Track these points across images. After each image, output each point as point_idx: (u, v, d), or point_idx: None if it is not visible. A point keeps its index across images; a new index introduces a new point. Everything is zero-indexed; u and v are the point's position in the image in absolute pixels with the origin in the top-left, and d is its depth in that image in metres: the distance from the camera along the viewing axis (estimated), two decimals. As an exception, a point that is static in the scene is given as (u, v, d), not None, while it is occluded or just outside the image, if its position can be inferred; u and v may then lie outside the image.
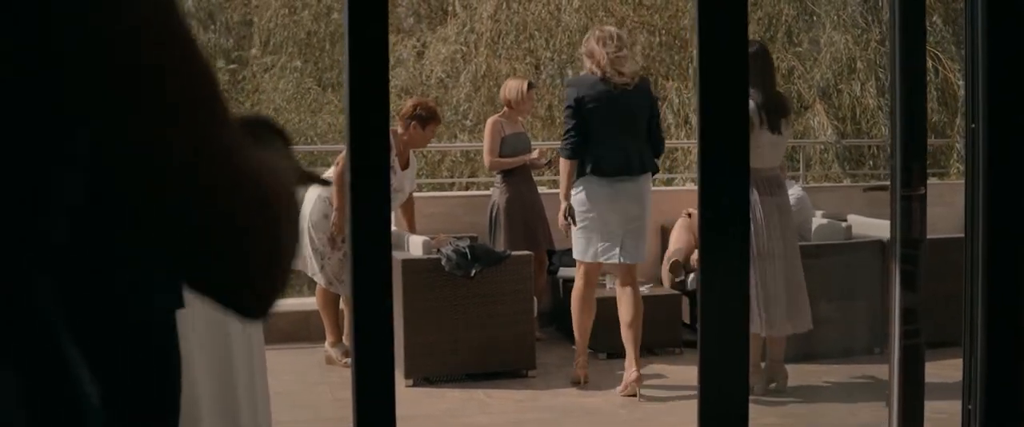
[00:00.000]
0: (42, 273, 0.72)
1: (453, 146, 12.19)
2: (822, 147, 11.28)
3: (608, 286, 5.81)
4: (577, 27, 11.56)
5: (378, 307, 2.61)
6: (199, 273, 0.75)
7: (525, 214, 6.09)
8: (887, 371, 3.26)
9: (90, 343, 0.77)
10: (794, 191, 6.06)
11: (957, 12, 11.24)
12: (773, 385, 5.04)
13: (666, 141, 5.88)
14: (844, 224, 6.26)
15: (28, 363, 0.70)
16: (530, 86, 6.38)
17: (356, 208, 2.58)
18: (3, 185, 0.68)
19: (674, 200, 6.89)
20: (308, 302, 6.18)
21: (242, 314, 0.78)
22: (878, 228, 5.93)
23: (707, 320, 2.86)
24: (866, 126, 11.33)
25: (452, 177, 12.10)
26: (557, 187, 5.43)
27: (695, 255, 6.44)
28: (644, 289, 6.14)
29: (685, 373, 5.56)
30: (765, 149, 4.81)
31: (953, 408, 3.23)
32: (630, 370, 5.16)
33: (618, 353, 5.35)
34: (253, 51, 13.87)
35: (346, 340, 5.80)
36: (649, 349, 5.97)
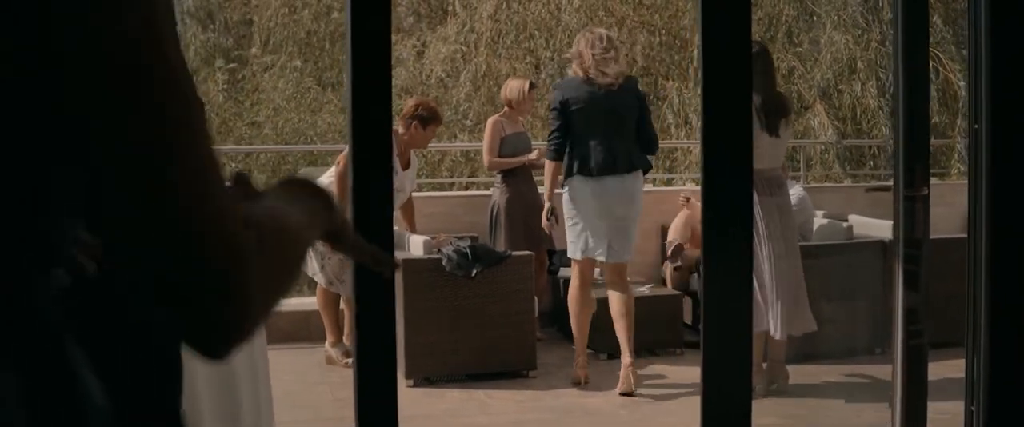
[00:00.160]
0: (44, 273, 0.71)
1: (453, 146, 12.18)
2: (822, 147, 11.27)
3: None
4: (577, 27, 11.53)
5: (380, 307, 2.60)
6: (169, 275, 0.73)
7: (526, 214, 6.08)
8: (889, 371, 3.26)
9: (91, 343, 0.76)
10: (795, 191, 6.05)
11: (957, 12, 11.24)
12: (774, 385, 5.04)
13: (667, 141, 5.90)
14: (845, 224, 6.25)
15: (32, 364, 0.69)
16: (531, 86, 6.37)
17: (358, 208, 2.57)
18: (4, 185, 0.67)
19: (674, 200, 6.88)
20: (308, 302, 6.17)
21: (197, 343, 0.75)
22: (879, 228, 5.93)
23: (710, 320, 2.86)
24: (867, 126, 11.32)
25: (452, 177, 12.09)
26: (561, 188, 5.44)
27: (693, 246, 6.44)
28: (645, 289, 6.14)
29: (686, 373, 5.56)
30: (766, 149, 4.80)
31: (956, 409, 3.22)
32: (624, 361, 5.21)
33: (619, 354, 5.34)
34: (253, 50, 13.86)
35: (346, 340, 5.79)
36: (650, 350, 5.97)
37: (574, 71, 5.22)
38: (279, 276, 0.78)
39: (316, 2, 13.69)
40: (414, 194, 6.28)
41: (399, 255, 5.36)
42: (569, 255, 5.41)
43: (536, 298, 5.85)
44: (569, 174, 5.18)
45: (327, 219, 0.97)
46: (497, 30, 12.10)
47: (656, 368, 5.75)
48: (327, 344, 5.86)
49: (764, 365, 4.99)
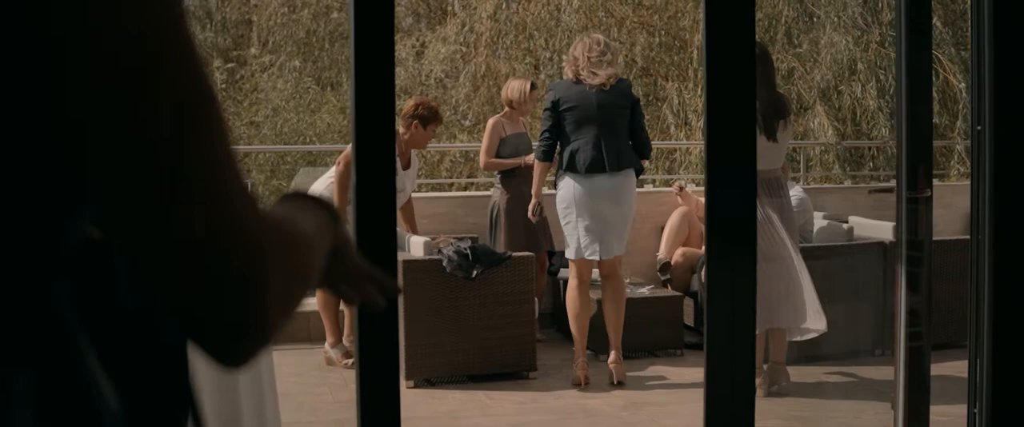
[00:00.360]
0: (58, 275, 0.70)
1: (452, 146, 12.18)
2: (822, 148, 11.27)
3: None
4: (577, 27, 11.55)
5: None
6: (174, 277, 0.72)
7: (525, 215, 6.08)
8: (890, 372, 3.25)
9: (103, 345, 0.76)
10: (795, 192, 6.05)
11: (957, 14, 11.24)
12: (776, 386, 5.04)
13: (667, 142, 5.92)
14: (845, 225, 6.25)
15: (46, 364, 0.69)
16: (532, 86, 6.36)
17: (360, 207, 2.57)
18: (19, 185, 0.67)
19: (674, 200, 6.88)
20: (308, 302, 6.17)
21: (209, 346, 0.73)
22: (880, 229, 5.93)
23: (713, 321, 2.85)
24: (866, 127, 11.32)
25: (451, 177, 12.09)
26: (555, 188, 5.47)
27: (679, 253, 6.44)
28: (645, 290, 6.13)
29: (687, 374, 5.56)
30: (766, 151, 4.80)
31: (958, 411, 3.21)
32: (612, 354, 5.29)
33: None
34: (252, 50, 13.85)
35: (346, 341, 5.79)
36: (651, 351, 5.97)
37: (566, 73, 5.33)
38: (295, 281, 0.77)
39: (315, 2, 13.68)
40: (414, 195, 6.27)
41: (399, 256, 5.35)
42: (566, 256, 5.48)
43: (536, 299, 5.85)
44: (560, 172, 5.27)
45: (334, 233, 0.97)
46: (497, 30, 12.10)
47: (657, 369, 5.75)
48: (327, 345, 5.85)
49: (764, 366, 4.99)
